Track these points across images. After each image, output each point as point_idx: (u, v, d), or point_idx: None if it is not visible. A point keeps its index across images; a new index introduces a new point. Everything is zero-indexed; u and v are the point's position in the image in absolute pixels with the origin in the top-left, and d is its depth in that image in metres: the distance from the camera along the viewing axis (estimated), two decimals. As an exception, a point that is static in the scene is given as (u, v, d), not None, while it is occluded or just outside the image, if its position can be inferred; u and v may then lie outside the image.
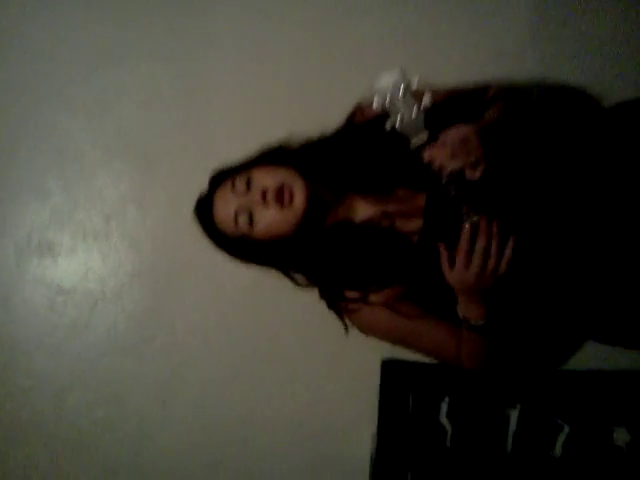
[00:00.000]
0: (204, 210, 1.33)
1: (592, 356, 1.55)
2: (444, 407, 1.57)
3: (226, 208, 1.27)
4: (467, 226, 1.12)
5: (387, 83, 1.01)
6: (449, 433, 1.57)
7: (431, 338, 1.31)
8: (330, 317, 1.35)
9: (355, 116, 1.37)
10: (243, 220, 1.24)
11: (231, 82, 1.66)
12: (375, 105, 1.03)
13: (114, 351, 1.70)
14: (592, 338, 1.46)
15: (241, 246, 1.30)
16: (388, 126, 1.05)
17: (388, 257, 1.26)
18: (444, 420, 1.57)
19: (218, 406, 1.68)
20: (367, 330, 1.35)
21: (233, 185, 1.26)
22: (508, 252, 1.12)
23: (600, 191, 1.20)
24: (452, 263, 1.14)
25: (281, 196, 1.21)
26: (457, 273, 1.14)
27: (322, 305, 1.35)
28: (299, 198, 1.22)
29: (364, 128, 1.30)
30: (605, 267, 1.20)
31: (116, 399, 1.69)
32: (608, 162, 1.22)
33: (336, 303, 1.34)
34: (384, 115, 1.06)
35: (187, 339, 1.68)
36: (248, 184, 1.25)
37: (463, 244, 1.12)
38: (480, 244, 1.12)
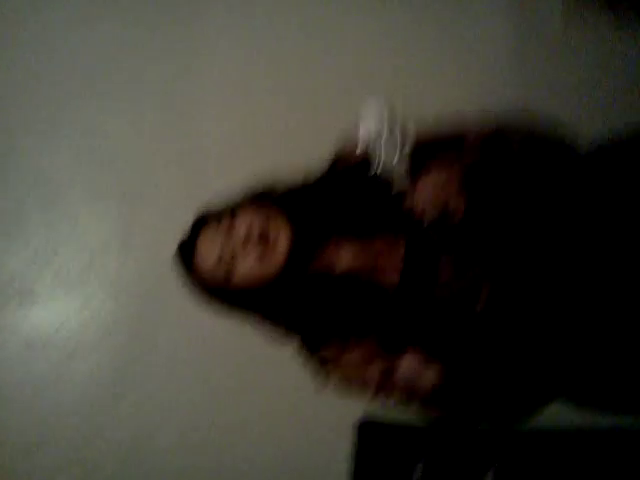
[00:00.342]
0: (186, 254, 1.31)
1: (565, 416, 1.54)
2: (418, 471, 1.55)
3: (209, 252, 1.26)
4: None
5: (371, 129, 1.06)
6: (423, 499, 1.55)
7: None
8: (304, 376, 1.32)
9: (338, 161, 1.41)
10: (223, 267, 1.24)
11: (219, 126, 1.69)
12: (359, 150, 1.08)
13: (86, 407, 1.66)
14: (563, 398, 1.45)
15: (220, 291, 1.29)
16: (371, 172, 1.10)
17: (365, 309, 1.27)
18: (418, 484, 1.55)
19: (190, 464, 1.64)
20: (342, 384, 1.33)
21: (217, 229, 1.26)
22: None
23: (576, 242, 1.23)
24: None
25: (264, 243, 1.22)
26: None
27: (297, 364, 1.33)
28: (282, 245, 1.22)
29: (346, 174, 1.34)
30: (579, 323, 1.22)
31: (88, 457, 1.64)
32: (585, 212, 1.24)
33: (315, 357, 1.32)
34: (366, 161, 1.11)
35: (161, 394, 1.65)
36: (231, 229, 1.25)
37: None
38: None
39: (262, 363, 1.59)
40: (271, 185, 1.37)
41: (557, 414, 1.53)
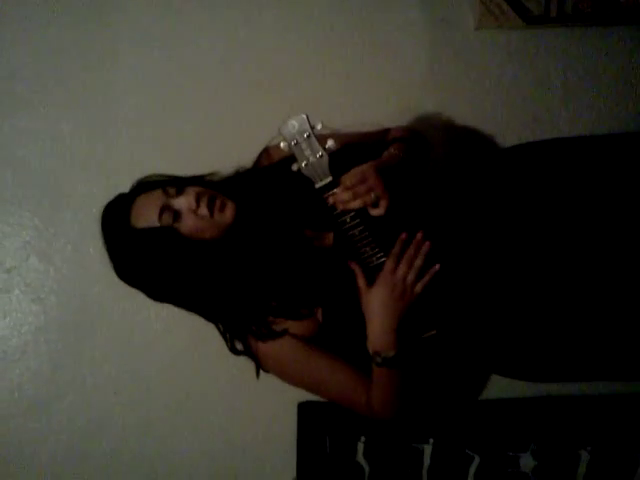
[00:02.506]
0: (119, 207, 1.26)
1: (495, 386, 1.62)
2: (361, 447, 1.59)
3: (151, 204, 1.21)
4: (403, 235, 1.18)
5: (293, 128, 1.08)
6: (367, 472, 1.59)
7: (339, 384, 1.30)
8: (244, 362, 1.34)
9: (261, 159, 1.41)
10: (168, 216, 1.20)
11: (138, 128, 1.65)
12: (282, 147, 1.09)
13: (20, 413, 1.62)
14: (495, 372, 1.51)
15: (150, 245, 1.20)
16: (294, 168, 1.11)
17: (306, 273, 1.27)
18: (361, 459, 1.60)
19: (133, 460, 1.63)
20: (274, 368, 1.33)
21: (164, 190, 1.23)
22: (428, 277, 1.18)
23: (496, 231, 1.26)
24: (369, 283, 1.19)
25: (212, 204, 1.21)
26: (378, 284, 1.17)
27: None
28: (230, 210, 1.22)
29: (270, 171, 1.34)
30: (503, 303, 1.25)
31: (25, 464, 1.62)
32: (504, 201, 1.29)
33: (250, 331, 1.30)
34: (290, 158, 1.12)
35: (98, 394, 1.63)
36: (180, 191, 1.23)
37: (395, 249, 1.17)
38: (409, 252, 1.18)
39: (203, 348, 1.59)
40: (209, 174, 1.36)
41: (489, 387, 1.62)
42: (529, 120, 1.69)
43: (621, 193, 1.23)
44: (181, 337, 1.62)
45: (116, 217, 1.25)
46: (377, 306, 1.18)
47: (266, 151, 1.40)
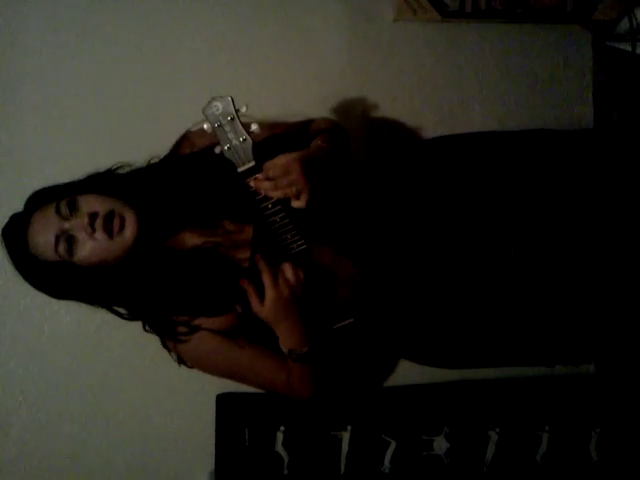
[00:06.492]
0: (16, 231, 1.21)
1: (409, 373, 1.66)
2: (280, 436, 1.60)
3: (46, 231, 1.18)
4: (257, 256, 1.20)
5: (217, 109, 1.06)
6: (286, 461, 1.60)
7: (261, 370, 1.32)
8: (160, 353, 1.32)
9: (182, 145, 1.38)
10: (64, 245, 1.17)
11: (47, 115, 1.57)
12: (205, 129, 1.07)
13: None
14: (409, 358, 1.54)
15: (56, 275, 1.21)
16: (217, 150, 1.09)
17: (219, 279, 1.26)
18: (280, 449, 1.60)
19: (44, 458, 1.57)
20: (196, 362, 1.33)
21: (57, 208, 1.18)
22: (301, 274, 1.20)
23: (408, 222, 1.28)
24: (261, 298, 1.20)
25: (110, 224, 1.17)
26: (269, 301, 1.19)
27: (151, 341, 1.32)
28: (130, 229, 1.19)
29: (192, 158, 1.31)
30: (417, 293, 1.27)
31: None
32: (417, 193, 1.30)
33: (165, 333, 1.29)
34: (212, 146, 1.10)
35: (2, 392, 1.55)
36: (74, 209, 1.18)
37: (265, 268, 1.19)
38: (281, 266, 1.20)
39: (118, 340, 1.56)
40: (113, 168, 1.31)
41: (404, 373, 1.66)
42: (444, 113, 1.74)
43: (526, 187, 1.27)
44: (94, 330, 1.56)
45: (15, 244, 1.22)
46: (274, 319, 1.22)
47: (187, 137, 1.37)
